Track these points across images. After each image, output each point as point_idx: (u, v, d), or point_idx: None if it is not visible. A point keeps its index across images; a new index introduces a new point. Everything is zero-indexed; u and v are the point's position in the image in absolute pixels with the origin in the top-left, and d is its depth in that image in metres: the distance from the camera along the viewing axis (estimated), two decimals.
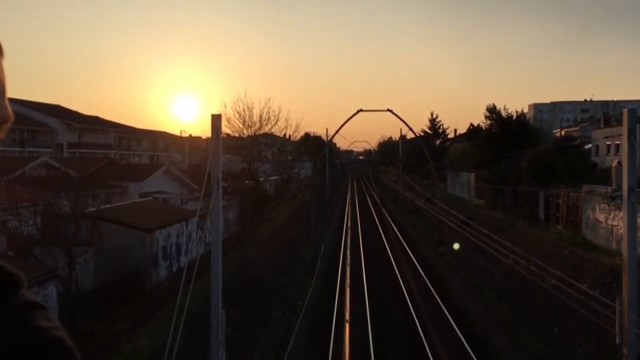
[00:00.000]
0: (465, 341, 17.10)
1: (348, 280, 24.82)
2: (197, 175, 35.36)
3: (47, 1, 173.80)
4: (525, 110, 58.30)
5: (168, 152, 71.49)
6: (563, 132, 69.14)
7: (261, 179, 45.68)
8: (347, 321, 18.85)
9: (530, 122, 57.94)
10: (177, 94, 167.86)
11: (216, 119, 11.46)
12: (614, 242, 21.31)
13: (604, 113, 67.84)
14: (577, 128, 72.59)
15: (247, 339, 17.08)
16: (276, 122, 45.81)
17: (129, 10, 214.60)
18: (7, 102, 0.67)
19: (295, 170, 71.76)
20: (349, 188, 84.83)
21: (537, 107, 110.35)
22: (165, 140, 73.78)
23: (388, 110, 40.43)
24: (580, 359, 16.13)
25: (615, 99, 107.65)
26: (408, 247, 33.84)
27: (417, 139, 52.93)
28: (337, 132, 45.34)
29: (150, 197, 26.96)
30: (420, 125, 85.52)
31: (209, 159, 11.57)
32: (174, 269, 20.53)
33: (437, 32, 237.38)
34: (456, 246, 31.50)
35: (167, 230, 20.53)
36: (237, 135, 43.89)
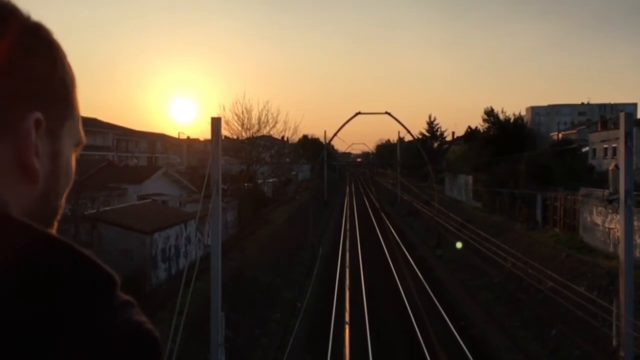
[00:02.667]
0: (463, 342, 17.18)
1: (347, 282, 24.90)
2: (195, 178, 35.38)
3: (44, 1, 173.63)
4: (523, 113, 58.45)
5: (166, 154, 71.46)
6: (560, 135, 69.34)
7: (260, 181, 45.71)
8: (346, 323, 18.92)
9: (528, 125, 58.07)
10: (175, 95, 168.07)
11: (216, 122, 11.51)
12: (611, 245, 21.42)
13: (601, 116, 67.89)
14: (574, 131, 72.78)
15: (246, 340, 17.14)
16: (275, 124, 45.90)
17: (127, 11, 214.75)
18: (81, 127, 0.80)
19: (294, 173, 71.82)
20: (347, 190, 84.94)
21: (534, 110, 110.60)
22: (164, 142, 73.77)
23: (386, 113, 40.59)
24: None
25: (612, 102, 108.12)
26: (406, 249, 33.91)
27: (415, 141, 53.04)
28: (335, 134, 45.48)
29: (149, 199, 26.99)
30: (418, 127, 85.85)
31: (209, 162, 11.62)
32: (173, 271, 20.57)
33: (435, 35, 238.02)
34: (459, 245, 31.62)
35: (166, 233, 20.58)
36: (235, 137, 43.95)
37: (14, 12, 0.72)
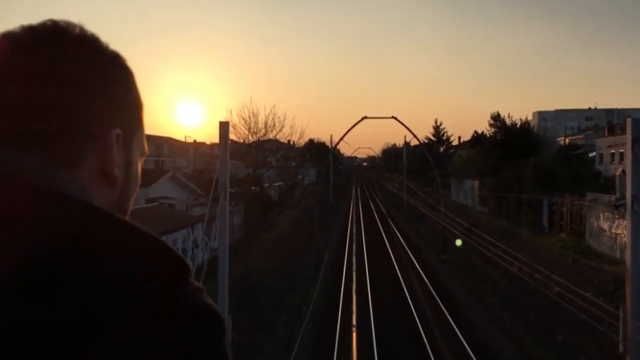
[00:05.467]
0: (468, 346, 17.19)
1: (354, 286, 24.93)
2: (202, 181, 35.54)
3: (46, 2, 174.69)
4: (530, 118, 58.47)
5: (173, 157, 71.68)
6: (567, 140, 69.17)
7: (266, 185, 45.83)
8: (354, 326, 18.94)
9: (535, 130, 58.06)
10: (182, 99, 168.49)
11: (224, 126, 11.56)
12: (618, 251, 21.40)
13: (609, 121, 67.76)
14: (581, 136, 72.63)
15: (252, 343, 17.19)
16: (281, 128, 46.10)
17: (133, 14, 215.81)
18: (145, 139, 0.93)
19: (300, 177, 71.93)
20: (353, 194, 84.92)
21: (541, 115, 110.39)
22: (170, 145, 73.97)
23: (392, 117, 40.67)
24: None
25: (619, 107, 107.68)
26: (412, 253, 33.91)
27: (421, 145, 53.06)
28: (341, 138, 45.56)
29: (157, 203, 27.13)
30: (424, 132, 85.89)
31: (217, 166, 11.68)
32: None
33: (441, 39, 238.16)
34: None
35: (173, 236, 20.69)
36: (242, 141, 44.13)
37: (97, 43, 0.86)
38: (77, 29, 0.84)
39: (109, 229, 0.75)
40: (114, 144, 0.83)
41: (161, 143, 71.09)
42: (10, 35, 0.82)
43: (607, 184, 32.33)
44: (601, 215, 23.83)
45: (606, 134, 57.09)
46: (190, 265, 0.79)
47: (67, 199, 0.76)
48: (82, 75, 0.81)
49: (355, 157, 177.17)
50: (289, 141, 52.83)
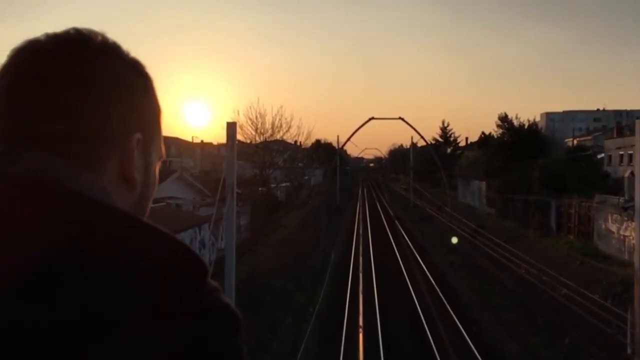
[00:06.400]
0: (475, 347, 17.15)
1: (361, 287, 24.92)
2: (209, 181, 35.59)
3: (52, 2, 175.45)
4: (538, 119, 58.25)
5: (180, 157, 71.86)
6: (575, 142, 68.88)
7: (273, 185, 45.92)
8: (360, 327, 18.94)
9: (542, 131, 57.84)
10: (189, 100, 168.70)
11: (231, 127, 11.56)
12: (626, 253, 21.30)
13: (617, 122, 67.41)
14: (589, 137, 72.30)
15: (258, 344, 17.22)
16: (288, 129, 46.22)
17: (139, 14, 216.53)
18: (162, 143, 0.96)
19: (306, 177, 71.99)
20: (359, 195, 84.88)
21: (549, 116, 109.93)
22: (177, 146, 74.16)
23: (400, 118, 40.67)
24: None
25: (628, 108, 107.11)
26: (418, 254, 33.86)
27: (428, 146, 52.99)
28: (348, 139, 45.66)
29: (164, 203, 27.20)
30: (432, 133, 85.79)
31: (224, 166, 11.71)
32: None
33: (449, 39, 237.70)
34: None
35: (180, 236, 20.64)
36: (249, 141, 44.23)
37: (119, 51, 0.88)
38: (99, 37, 0.87)
39: (112, 229, 0.75)
40: (135, 148, 0.86)
41: (168, 143, 71.21)
42: (34, 42, 0.84)
43: (616, 186, 32.18)
44: (609, 217, 23.73)
45: (615, 136, 56.83)
46: (208, 266, 0.80)
47: (72, 198, 0.75)
48: (103, 81, 0.84)
49: (362, 158, 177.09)
50: (295, 142, 52.91)
